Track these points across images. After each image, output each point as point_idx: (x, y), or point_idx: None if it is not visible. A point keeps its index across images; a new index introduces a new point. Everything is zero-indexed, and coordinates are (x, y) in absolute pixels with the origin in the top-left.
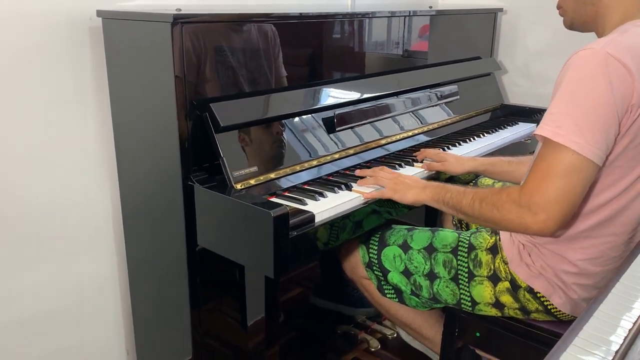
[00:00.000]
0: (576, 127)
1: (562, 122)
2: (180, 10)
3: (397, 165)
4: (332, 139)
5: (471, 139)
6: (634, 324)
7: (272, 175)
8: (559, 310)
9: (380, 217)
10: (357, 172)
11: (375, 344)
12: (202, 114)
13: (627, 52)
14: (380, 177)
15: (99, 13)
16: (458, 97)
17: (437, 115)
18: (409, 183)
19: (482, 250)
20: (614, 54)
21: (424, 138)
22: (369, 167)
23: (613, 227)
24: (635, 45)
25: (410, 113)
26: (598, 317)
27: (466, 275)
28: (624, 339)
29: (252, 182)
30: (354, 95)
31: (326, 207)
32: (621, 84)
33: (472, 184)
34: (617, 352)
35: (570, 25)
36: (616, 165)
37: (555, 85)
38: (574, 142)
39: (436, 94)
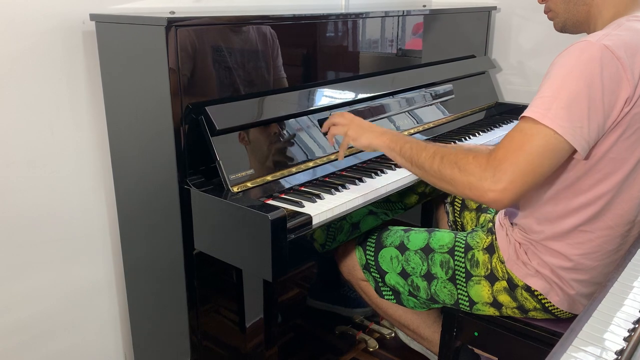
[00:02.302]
0: (563, 110)
1: (551, 105)
2: (174, 13)
3: (393, 166)
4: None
5: (467, 137)
6: (636, 324)
7: (269, 178)
8: (557, 308)
9: (377, 218)
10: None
11: (373, 344)
12: (197, 117)
13: (621, 46)
14: (337, 122)
15: (92, 17)
16: (453, 96)
17: (433, 115)
18: (365, 127)
19: (478, 250)
20: (609, 46)
21: (420, 137)
22: (364, 167)
23: (608, 219)
24: (629, 39)
25: (406, 113)
26: (597, 317)
27: (463, 275)
28: (627, 340)
29: (249, 184)
30: (350, 96)
31: (323, 208)
32: (612, 75)
33: None
34: (620, 352)
35: (562, 28)
36: (610, 158)
37: (548, 70)
38: (559, 125)
39: (431, 93)
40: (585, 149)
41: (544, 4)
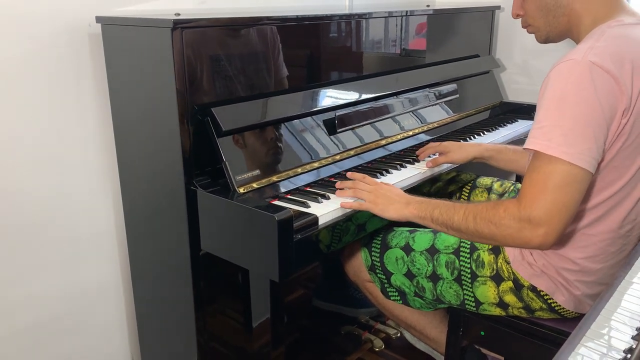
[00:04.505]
0: (566, 138)
1: (552, 135)
2: (179, 15)
3: (398, 166)
4: (332, 141)
5: (471, 137)
6: None
7: (275, 178)
8: (563, 308)
9: (382, 219)
10: (337, 185)
11: (379, 344)
12: (203, 118)
13: (608, 58)
14: (360, 188)
15: (98, 19)
16: (457, 95)
17: (437, 114)
18: (390, 196)
19: (484, 251)
20: (596, 62)
21: (424, 137)
22: (369, 167)
23: (610, 222)
24: (614, 48)
25: (410, 113)
26: (605, 316)
27: (469, 275)
28: (635, 339)
29: (255, 185)
30: (354, 96)
31: (329, 209)
32: (607, 91)
33: (470, 185)
34: (629, 351)
35: (546, 40)
36: (613, 166)
37: (539, 97)
38: (565, 153)
39: (435, 93)
40: (595, 166)
41: (520, 19)
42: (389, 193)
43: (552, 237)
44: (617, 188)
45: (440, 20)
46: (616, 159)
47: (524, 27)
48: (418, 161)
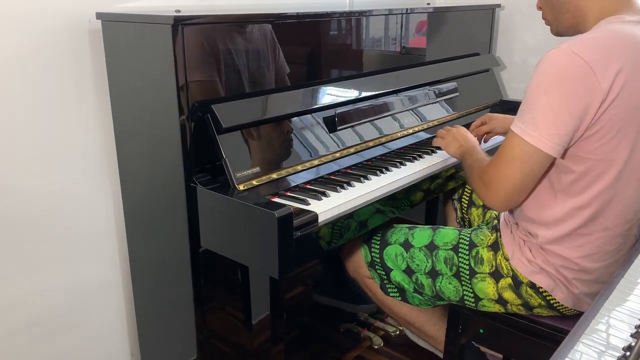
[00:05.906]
0: (533, 120)
1: (524, 117)
2: (179, 11)
3: (398, 164)
4: (332, 138)
5: None
6: None
7: (275, 176)
8: (562, 305)
9: (384, 216)
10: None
11: (378, 342)
12: (203, 115)
13: (590, 49)
14: (446, 132)
15: (99, 15)
16: (457, 93)
17: (437, 112)
18: (456, 137)
19: (483, 247)
20: (578, 52)
21: (424, 135)
22: (369, 165)
23: (605, 221)
24: (602, 41)
25: (410, 111)
26: (604, 314)
27: (467, 272)
28: (634, 337)
29: (255, 182)
30: (354, 94)
31: (329, 206)
32: (584, 81)
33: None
34: (628, 349)
35: (557, 33)
36: (596, 160)
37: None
38: (527, 134)
39: (435, 91)
40: (559, 152)
41: (542, 12)
42: (458, 135)
43: (497, 203)
44: (606, 183)
45: (441, 18)
46: (599, 152)
47: (543, 19)
48: (417, 159)
